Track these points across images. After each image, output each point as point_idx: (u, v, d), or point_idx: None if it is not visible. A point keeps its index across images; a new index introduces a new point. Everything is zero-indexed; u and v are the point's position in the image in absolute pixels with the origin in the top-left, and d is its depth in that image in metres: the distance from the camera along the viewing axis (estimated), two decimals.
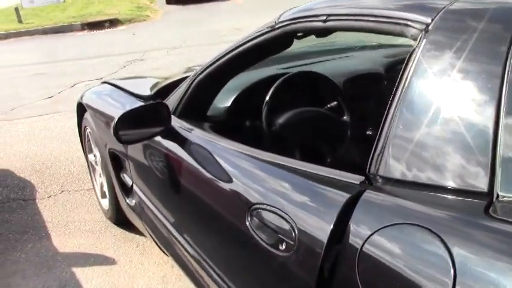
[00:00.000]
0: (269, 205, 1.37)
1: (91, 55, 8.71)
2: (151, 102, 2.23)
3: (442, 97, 1.10)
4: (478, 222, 0.96)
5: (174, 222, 2.09)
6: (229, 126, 2.14)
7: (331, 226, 1.16)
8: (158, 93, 2.44)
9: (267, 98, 2.11)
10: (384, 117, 1.19)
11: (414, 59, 1.17)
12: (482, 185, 0.98)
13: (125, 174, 2.64)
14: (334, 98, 2.29)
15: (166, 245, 2.23)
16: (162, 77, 2.90)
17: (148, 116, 1.99)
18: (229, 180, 1.60)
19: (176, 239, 2.04)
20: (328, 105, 2.29)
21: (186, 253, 1.96)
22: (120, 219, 2.97)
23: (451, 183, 1.03)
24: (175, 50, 8.42)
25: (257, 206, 1.41)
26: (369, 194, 1.14)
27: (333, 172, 1.30)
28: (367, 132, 2.47)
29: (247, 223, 1.42)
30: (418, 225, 1.00)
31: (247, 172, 1.58)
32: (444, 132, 1.07)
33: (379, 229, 1.05)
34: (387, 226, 1.04)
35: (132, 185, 2.52)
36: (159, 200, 2.20)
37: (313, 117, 2.19)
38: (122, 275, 2.65)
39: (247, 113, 2.19)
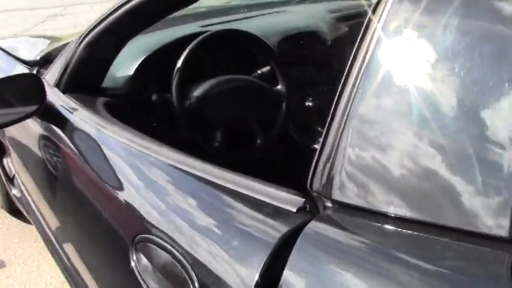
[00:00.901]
0: (160, 237, 0.92)
1: (8, 8, 7.85)
2: (17, 74, 1.72)
3: (429, 70, 0.68)
4: None
5: (53, 229, 1.62)
6: (131, 101, 1.66)
7: (255, 279, 0.73)
8: (45, 58, 1.91)
9: (179, 63, 1.64)
10: (335, 102, 0.76)
11: (382, 12, 0.72)
12: (503, 226, 0.58)
13: (8, 160, 2.13)
14: (266, 62, 1.85)
15: (50, 251, 1.76)
16: (56, 37, 2.37)
17: (14, 92, 1.49)
18: (114, 188, 1.13)
19: (56, 249, 1.59)
20: (259, 72, 1.85)
21: (65, 270, 1.52)
22: (13, 208, 2.46)
23: (453, 220, 0.62)
24: (101, 4, 7.68)
25: (145, 236, 0.96)
26: (314, 229, 0.71)
27: (260, 189, 0.85)
28: (306, 104, 2.05)
29: (132, 261, 0.97)
30: None
31: (139, 178, 1.10)
32: (440, 129, 0.64)
33: None
34: None
35: (14, 175, 2.03)
36: (37, 200, 1.72)
37: (239, 87, 1.74)
38: (12, 282, 2.17)
39: (154, 83, 1.72)
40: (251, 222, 0.81)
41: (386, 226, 0.67)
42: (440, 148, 0.64)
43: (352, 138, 0.72)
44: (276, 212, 0.79)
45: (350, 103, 0.73)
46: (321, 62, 2.10)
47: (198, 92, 1.65)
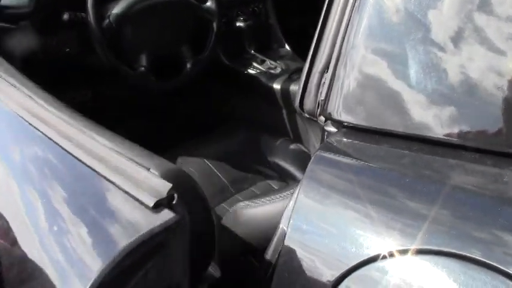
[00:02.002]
0: None
1: None
2: None
3: None
4: None
5: None
6: (36, 23, 1.41)
7: None
8: None
9: None
10: (322, 20, 0.68)
11: None
12: None
13: None
14: None
15: None
16: None
17: None
18: None
19: None
20: None
21: None
22: None
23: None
24: None
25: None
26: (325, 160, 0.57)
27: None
28: (238, 24, 1.87)
29: None
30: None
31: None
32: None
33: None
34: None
35: None
36: None
37: (164, 3, 1.53)
38: None
39: (63, 0, 1.47)
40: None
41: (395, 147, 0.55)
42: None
43: (353, 56, 0.60)
44: None
45: (345, 23, 0.62)
46: None
47: (117, 9, 1.42)
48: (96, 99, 1.90)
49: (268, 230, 0.88)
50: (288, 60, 1.85)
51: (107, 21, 1.41)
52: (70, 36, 1.48)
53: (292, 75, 1.72)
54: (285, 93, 1.67)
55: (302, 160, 1.55)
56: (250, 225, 0.96)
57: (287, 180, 1.52)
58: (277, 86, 1.70)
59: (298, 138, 1.69)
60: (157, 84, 1.52)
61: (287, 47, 1.96)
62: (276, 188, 1.48)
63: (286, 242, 0.53)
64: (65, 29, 1.47)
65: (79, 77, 1.94)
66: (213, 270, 0.72)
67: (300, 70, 1.73)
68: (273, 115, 1.75)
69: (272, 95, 1.71)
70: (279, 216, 0.86)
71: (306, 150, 1.59)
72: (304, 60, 1.81)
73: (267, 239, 0.88)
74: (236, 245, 1.00)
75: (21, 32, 1.42)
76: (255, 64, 1.82)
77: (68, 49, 1.49)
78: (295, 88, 1.65)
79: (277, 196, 0.86)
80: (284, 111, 1.71)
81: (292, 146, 1.60)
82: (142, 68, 1.48)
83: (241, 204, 1.00)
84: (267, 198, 0.90)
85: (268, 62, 1.82)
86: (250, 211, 0.94)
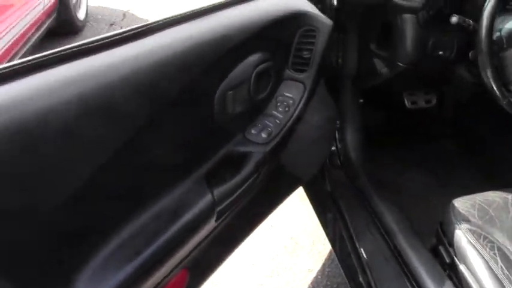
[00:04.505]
0: None
1: None
2: None
3: None
4: None
5: None
6: (423, 16, 1.41)
7: None
8: None
9: None
10: None
11: None
12: None
13: None
14: None
15: None
16: None
17: None
18: None
19: None
20: None
21: None
22: None
23: None
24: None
25: None
26: None
27: None
28: None
29: None
30: None
31: None
32: None
33: None
34: None
35: None
36: None
37: None
38: None
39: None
40: None
41: None
42: None
43: None
44: None
45: None
46: None
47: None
48: (441, 106, 1.84)
49: None
50: None
51: (498, 34, 1.32)
52: (447, 41, 1.44)
53: None
54: None
55: None
56: None
57: None
58: None
59: None
60: None
61: None
62: None
63: None
64: (446, 32, 1.43)
65: (428, 81, 1.86)
66: None
67: None
68: None
69: None
70: None
71: None
72: None
73: None
74: None
75: (402, 22, 1.43)
76: None
77: (441, 52, 1.45)
78: None
79: None
80: None
81: None
82: None
83: None
84: None
85: None
86: None
